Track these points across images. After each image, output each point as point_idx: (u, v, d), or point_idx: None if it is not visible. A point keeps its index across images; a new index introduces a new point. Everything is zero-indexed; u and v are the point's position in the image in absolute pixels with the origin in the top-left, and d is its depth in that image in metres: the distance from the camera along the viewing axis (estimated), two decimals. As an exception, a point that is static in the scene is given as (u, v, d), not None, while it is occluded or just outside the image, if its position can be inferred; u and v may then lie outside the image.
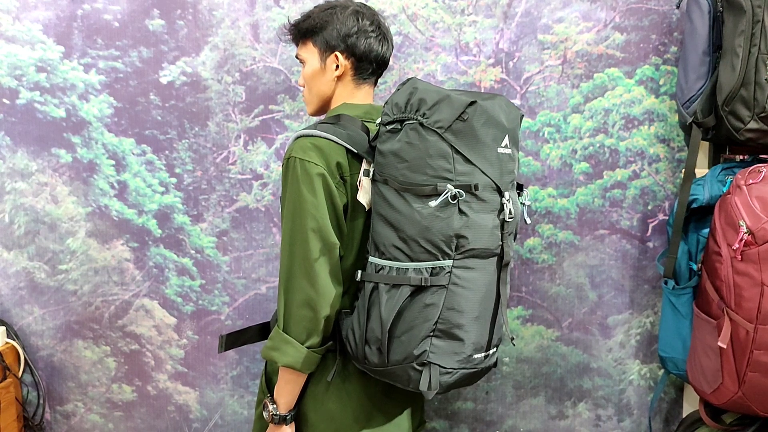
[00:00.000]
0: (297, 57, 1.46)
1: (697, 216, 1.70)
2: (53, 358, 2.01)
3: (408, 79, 1.28)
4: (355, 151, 1.31)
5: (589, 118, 1.85)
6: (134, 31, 1.89)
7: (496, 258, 1.28)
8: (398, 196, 1.24)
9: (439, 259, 1.22)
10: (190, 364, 1.99)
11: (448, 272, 1.22)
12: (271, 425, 1.36)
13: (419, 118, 1.22)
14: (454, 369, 1.26)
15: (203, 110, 1.91)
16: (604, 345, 1.92)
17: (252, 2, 1.87)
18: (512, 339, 1.35)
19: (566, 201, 1.88)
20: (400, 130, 1.23)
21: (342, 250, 1.33)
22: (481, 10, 1.84)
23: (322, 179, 1.28)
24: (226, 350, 1.46)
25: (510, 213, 1.27)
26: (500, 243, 1.27)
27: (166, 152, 1.92)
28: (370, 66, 1.41)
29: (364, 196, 1.32)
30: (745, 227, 1.42)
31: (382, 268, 1.26)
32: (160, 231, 1.95)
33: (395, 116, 1.24)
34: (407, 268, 1.23)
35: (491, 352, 1.33)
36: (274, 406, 1.35)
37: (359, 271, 1.31)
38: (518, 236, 1.89)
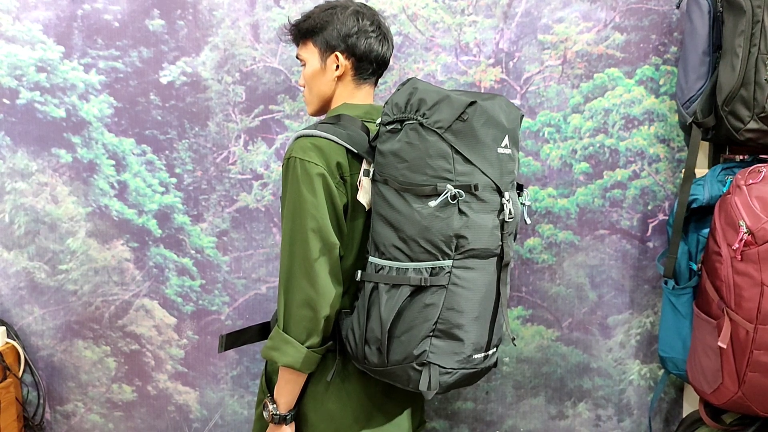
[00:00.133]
0: (297, 57, 1.46)
1: (697, 216, 1.70)
2: (53, 358, 2.01)
3: (408, 80, 1.28)
4: (355, 151, 1.31)
5: (589, 118, 1.85)
6: (134, 31, 1.89)
7: (496, 258, 1.28)
8: (398, 196, 1.24)
9: (438, 259, 1.22)
10: (190, 364, 1.99)
11: (448, 272, 1.22)
12: (271, 425, 1.36)
13: (419, 118, 1.22)
14: (454, 369, 1.26)
15: (203, 110, 1.91)
16: (604, 345, 1.92)
17: (252, 2, 1.87)
18: (513, 339, 1.35)
19: (566, 201, 1.88)
20: (400, 130, 1.23)
21: (342, 250, 1.33)
22: (481, 10, 1.84)
23: (322, 179, 1.28)
24: (226, 350, 1.47)
25: (510, 213, 1.27)
26: (500, 243, 1.27)
27: (166, 152, 1.92)
28: (370, 66, 1.41)
29: (364, 196, 1.32)
30: (745, 227, 1.42)
31: (382, 268, 1.26)
32: (160, 231, 1.95)
33: (395, 116, 1.24)
34: (407, 268, 1.23)
35: (491, 352, 1.33)
36: (274, 405, 1.35)
37: (359, 271, 1.31)
38: (518, 236, 1.89)
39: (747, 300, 1.43)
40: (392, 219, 1.24)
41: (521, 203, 1.38)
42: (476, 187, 1.21)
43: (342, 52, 1.39)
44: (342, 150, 1.31)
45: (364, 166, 1.32)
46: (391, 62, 1.48)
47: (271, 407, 1.35)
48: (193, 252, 1.95)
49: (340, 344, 1.35)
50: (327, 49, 1.40)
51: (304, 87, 1.47)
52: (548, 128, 1.86)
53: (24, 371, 1.98)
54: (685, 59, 1.66)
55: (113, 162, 1.93)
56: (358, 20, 1.38)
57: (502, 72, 1.85)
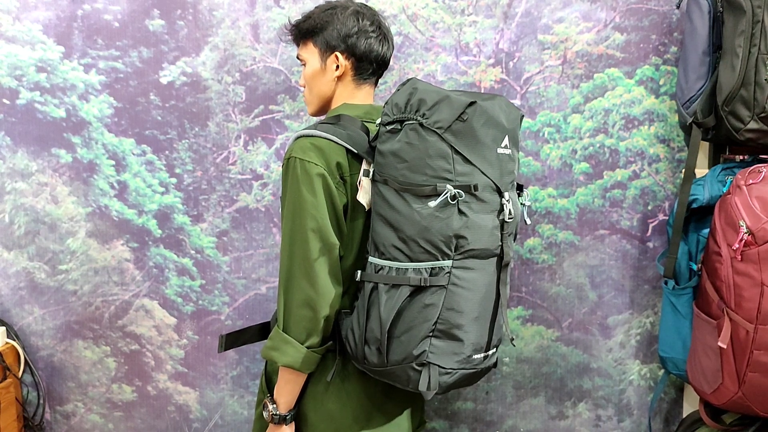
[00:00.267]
0: (298, 57, 1.47)
1: (697, 216, 1.70)
2: (53, 358, 2.01)
3: (408, 80, 1.28)
4: (355, 151, 1.31)
5: (589, 118, 1.85)
6: (134, 31, 1.89)
7: (495, 258, 1.28)
8: (398, 196, 1.24)
9: (438, 260, 1.22)
10: (190, 364, 1.99)
11: (448, 272, 1.22)
12: (271, 425, 1.36)
13: (419, 118, 1.22)
14: (454, 369, 1.26)
15: (203, 110, 1.91)
16: (604, 345, 1.92)
17: (252, 2, 1.87)
18: (512, 339, 1.35)
19: (566, 201, 1.88)
20: (400, 130, 1.23)
21: (342, 250, 1.33)
22: (481, 11, 1.84)
23: (322, 179, 1.28)
24: (225, 350, 1.46)
25: (510, 213, 1.26)
26: (500, 243, 1.27)
27: (166, 152, 1.92)
28: (370, 66, 1.41)
29: (363, 197, 1.32)
30: (745, 227, 1.42)
31: (382, 268, 1.26)
32: (160, 231, 1.95)
33: (395, 116, 1.24)
34: (407, 269, 1.23)
35: (491, 352, 1.32)
36: (274, 405, 1.35)
37: (359, 271, 1.31)
38: (518, 236, 1.89)
39: (747, 300, 1.43)
40: (392, 219, 1.24)
41: (521, 203, 1.37)
42: (476, 188, 1.21)
43: (342, 53, 1.39)
44: (342, 150, 1.31)
45: (364, 166, 1.32)
46: (391, 62, 1.48)
47: (270, 407, 1.35)
48: (193, 252, 1.95)
49: (340, 344, 1.35)
50: (327, 50, 1.40)
51: (305, 87, 1.47)
52: (548, 128, 1.86)
53: (24, 371, 1.98)
54: (685, 59, 1.66)
55: (113, 162, 1.93)
56: (358, 20, 1.38)
57: (502, 72, 1.85)
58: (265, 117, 1.90)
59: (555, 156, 1.87)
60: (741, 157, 1.75)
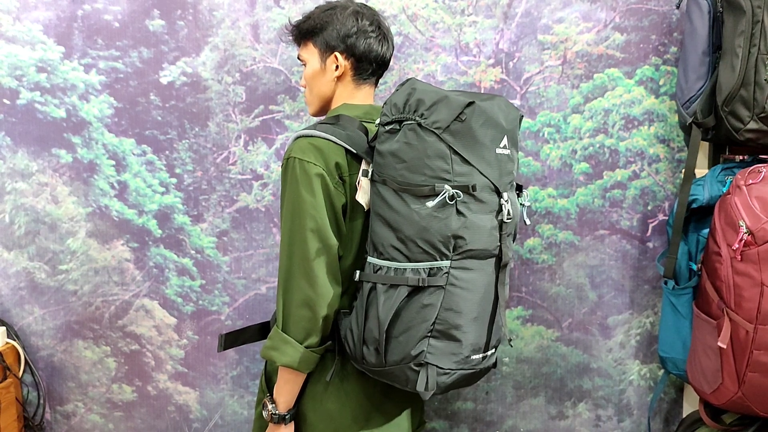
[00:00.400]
0: (299, 58, 1.47)
1: (697, 216, 1.70)
2: (53, 358, 2.01)
3: (407, 80, 1.28)
4: (354, 151, 1.31)
5: (589, 118, 1.85)
6: (134, 31, 1.89)
7: (494, 259, 1.27)
8: (396, 196, 1.24)
9: (436, 260, 1.22)
10: (190, 365, 1.99)
11: (446, 273, 1.22)
12: (270, 424, 1.36)
13: (417, 118, 1.22)
14: (452, 370, 1.26)
15: (203, 110, 1.91)
16: (604, 345, 1.92)
17: (252, 3, 1.87)
18: (510, 340, 1.35)
19: (566, 201, 1.88)
20: (399, 130, 1.24)
21: (341, 250, 1.33)
22: (481, 11, 1.84)
23: (320, 179, 1.28)
24: (225, 349, 1.47)
25: (508, 214, 1.26)
26: (498, 244, 1.27)
27: (167, 152, 1.92)
28: (370, 66, 1.41)
29: (362, 197, 1.32)
30: (744, 227, 1.42)
31: (380, 268, 1.26)
32: (160, 231, 1.95)
33: (394, 117, 1.24)
34: (405, 269, 1.23)
35: (489, 353, 1.32)
36: (273, 405, 1.35)
37: (357, 271, 1.31)
38: (518, 236, 1.89)
39: (747, 300, 1.43)
40: (390, 219, 1.24)
41: (520, 204, 1.37)
42: (474, 188, 1.21)
43: (341, 53, 1.39)
44: (341, 150, 1.31)
45: (363, 166, 1.32)
46: (391, 62, 1.48)
47: (270, 407, 1.35)
48: (193, 252, 1.95)
49: (339, 344, 1.35)
50: (327, 50, 1.40)
51: (305, 87, 1.47)
52: (548, 128, 1.86)
53: (24, 371, 1.98)
54: (685, 59, 1.66)
55: (113, 162, 1.93)
56: (357, 20, 1.38)
57: (502, 72, 1.85)
58: (265, 117, 1.90)
59: (555, 156, 1.87)
60: (741, 157, 1.75)
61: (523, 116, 1.35)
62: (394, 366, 1.25)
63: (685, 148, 1.81)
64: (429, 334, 1.23)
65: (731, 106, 1.55)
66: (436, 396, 1.91)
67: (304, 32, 1.43)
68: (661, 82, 1.83)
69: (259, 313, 1.95)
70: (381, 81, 1.53)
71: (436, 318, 1.23)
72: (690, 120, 1.64)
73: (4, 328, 1.94)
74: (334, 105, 1.44)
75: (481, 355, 1.30)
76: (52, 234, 1.96)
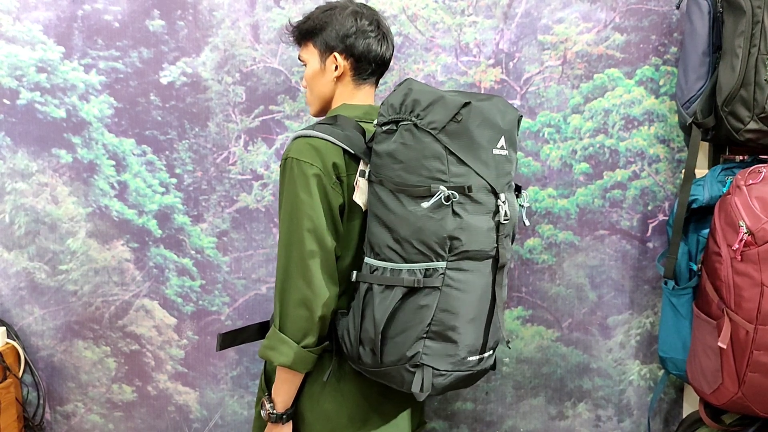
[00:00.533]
0: (299, 58, 1.47)
1: (697, 216, 1.70)
2: (53, 359, 2.01)
3: (405, 80, 1.28)
4: (352, 151, 1.31)
5: (589, 118, 1.85)
6: (134, 31, 1.89)
7: (491, 260, 1.27)
8: (393, 196, 1.24)
9: (432, 261, 1.22)
10: (190, 365, 1.99)
11: (442, 274, 1.22)
12: (268, 424, 1.37)
13: (413, 119, 1.22)
14: (448, 371, 1.26)
15: (203, 111, 1.91)
16: (604, 345, 1.92)
17: (252, 3, 1.87)
18: (507, 342, 1.35)
19: (566, 201, 1.88)
20: (396, 131, 1.23)
21: (339, 251, 1.33)
22: (481, 11, 1.84)
23: (317, 180, 1.28)
24: (223, 348, 1.47)
25: (505, 215, 1.26)
26: (495, 245, 1.26)
27: (167, 153, 1.92)
28: (369, 66, 1.41)
29: (360, 197, 1.32)
30: (744, 227, 1.42)
31: (377, 269, 1.26)
32: (160, 231, 1.95)
33: (390, 117, 1.24)
34: (401, 269, 1.23)
35: (486, 355, 1.32)
36: (271, 404, 1.36)
37: (354, 272, 1.31)
38: (518, 237, 1.89)
39: (747, 300, 1.43)
40: (387, 220, 1.24)
41: (519, 205, 1.37)
42: (470, 189, 1.21)
43: (340, 53, 1.39)
44: (339, 150, 1.31)
45: (361, 166, 1.32)
46: (391, 63, 1.48)
47: (268, 406, 1.36)
48: (193, 252, 1.95)
49: (337, 344, 1.35)
50: (326, 50, 1.40)
51: (306, 88, 1.47)
52: (548, 129, 1.86)
53: (24, 371, 1.98)
54: (685, 60, 1.66)
55: (113, 162, 1.93)
56: (356, 20, 1.38)
57: (502, 72, 1.85)
58: (265, 117, 1.90)
59: (555, 156, 1.87)
60: (741, 158, 1.75)
61: (522, 117, 1.35)
62: (389, 367, 1.25)
63: (685, 149, 1.81)
64: (425, 336, 1.23)
65: (731, 106, 1.55)
66: (435, 396, 1.91)
67: (303, 33, 1.44)
68: (661, 83, 1.83)
69: (259, 313, 1.95)
70: (381, 81, 1.53)
71: (432, 319, 1.22)
72: (690, 120, 1.64)
73: (4, 328, 1.94)
74: (334, 105, 1.44)
75: (477, 357, 1.29)
76: (52, 234, 1.96)
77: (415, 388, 1.24)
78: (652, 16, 1.81)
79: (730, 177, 1.63)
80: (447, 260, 1.22)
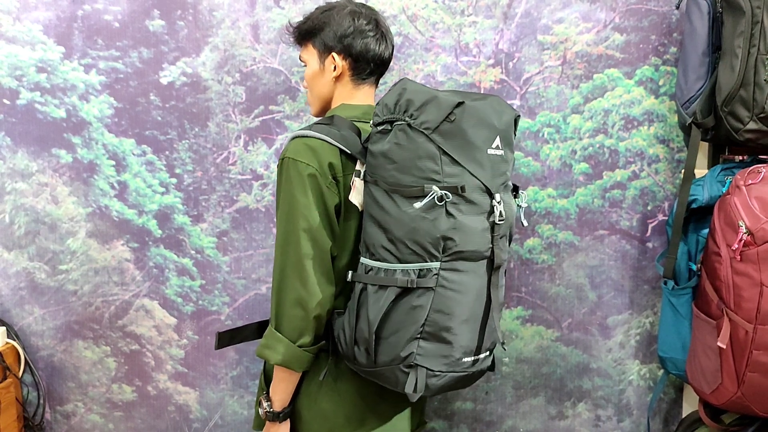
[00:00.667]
0: (300, 59, 1.47)
1: (696, 216, 1.70)
2: (53, 359, 2.01)
3: (400, 80, 1.28)
4: (349, 152, 1.31)
5: (589, 118, 1.86)
6: (134, 31, 1.89)
7: (486, 261, 1.27)
8: (387, 197, 1.24)
9: (426, 261, 1.22)
10: (190, 365, 1.99)
11: (435, 274, 1.22)
12: (266, 422, 1.37)
13: (407, 119, 1.21)
14: (443, 372, 1.25)
15: (203, 111, 1.91)
16: (603, 345, 1.92)
17: (252, 3, 1.87)
18: (503, 343, 1.34)
19: (566, 201, 1.88)
20: (390, 131, 1.23)
21: (336, 251, 1.33)
22: (481, 11, 1.84)
23: (313, 180, 1.28)
24: (221, 347, 1.47)
25: (500, 215, 1.25)
26: (491, 246, 1.26)
27: (167, 153, 1.92)
28: (367, 66, 1.41)
29: (356, 197, 1.32)
30: (744, 227, 1.42)
31: (371, 269, 1.26)
32: (160, 231, 1.95)
33: (385, 117, 1.24)
34: (395, 270, 1.23)
35: (482, 356, 1.31)
36: (269, 403, 1.36)
37: (350, 272, 1.31)
38: (518, 237, 1.89)
39: (746, 300, 1.43)
40: (381, 220, 1.24)
41: (517, 205, 1.37)
42: (463, 189, 1.20)
43: (339, 53, 1.39)
44: (335, 150, 1.31)
45: (357, 167, 1.32)
46: (391, 63, 1.48)
47: (265, 404, 1.36)
48: (193, 252, 1.95)
49: (333, 344, 1.36)
50: (325, 50, 1.40)
51: (307, 88, 1.47)
52: (548, 129, 1.87)
53: (24, 371, 1.98)
54: (684, 60, 1.66)
55: (113, 162, 1.93)
56: (353, 20, 1.38)
57: (502, 72, 1.86)
58: (265, 117, 1.90)
59: (555, 156, 1.87)
60: (740, 158, 1.76)
61: (519, 116, 1.34)
62: (383, 367, 1.25)
63: (685, 149, 1.81)
64: (419, 336, 1.23)
65: (731, 106, 1.56)
66: (429, 397, 1.91)
67: (303, 34, 1.44)
68: (660, 83, 1.83)
69: (259, 313, 1.95)
70: (381, 81, 1.53)
71: (425, 320, 1.22)
72: (690, 120, 1.64)
73: (4, 328, 1.94)
74: (334, 105, 1.45)
75: (472, 358, 1.29)
76: (52, 234, 1.96)
77: (409, 389, 1.23)
78: (651, 16, 1.81)
79: (729, 177, 1.64)
80: (441, 261, 1.22)
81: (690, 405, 1.84)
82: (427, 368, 1.24)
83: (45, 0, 1.89)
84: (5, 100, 1.92)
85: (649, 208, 1.87)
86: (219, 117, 1.91)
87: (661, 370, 1.88)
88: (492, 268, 1.27)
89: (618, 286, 1.90)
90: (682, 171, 1.69)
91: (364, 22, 1.39)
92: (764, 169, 1.48)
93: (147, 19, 1.89)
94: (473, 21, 1.84)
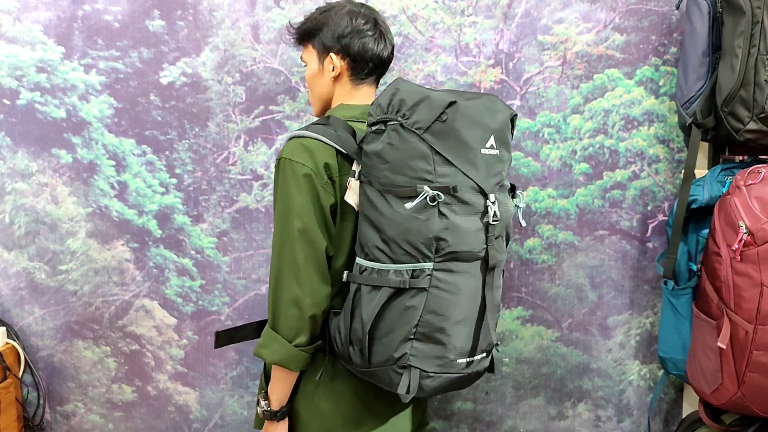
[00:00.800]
0: (301, 59, 1.48)
1: (696, 216, 1.70)
2: (53, 359, 2.01)
3: (395, 80, 1.28)
4: (345, 152, 1.31)
5: (589, 118, 1.86)
6: (134, 31, 1.89)
7: (480, 261, 1.26)
8: (381, 197, 1.23)
9: (419, 262, 1.21)
10: (190, 365, 1.99)
11: (428, 275, 1.21)
12: (265, 421, 1.38)
13: (399, 119, 1.21)
14: (436, 373, 1.25)
15: (203, 111, 1.91)
16: (603, 345, 1.92)
17: (252, 3, 1.87)
18: (497, 345, 1.33)
19: (566, 202, 1.88)
20: (384, 131, 1.23)
21: (333, 251, 1.33)
22: (481, 11, 1.84)
23: (308, 180, 1.28)
24: (220, 346, 1.47)
25: (495, 216, 1.24)
26: (485, 246, 1.25)
27: (167, 153, 1.92)
28: (366, 66, 1.41)
29: (352, 197, 1.31)
30: (744, 228, 1.42)
31: (366, 269, 1.26)
32: (160, 231, 1.95)
33: (378, 117, 1.24)
34: (388, 270, 1.23)
35: (477, 358, 1.30)
36: (267, 402, 1.36)
37: (345, 272, 1.31)
38: (518, 237, 1.89)
39: (746, 300, 1.43)
40: (375, 220, 1.24)
41: (515, 205, 1.36)
42: (455, 189, 1.20)
43: (337, 53, 1.39)
44: (331, 151, 1.31)
45: (354, 167, 1.32)
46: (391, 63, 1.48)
47: (263, 403, 1.37)
48: (193, 252, 1.95)
49: (330, 344, 1.36)
50: (323, 51, 1.40)
51: (308, 89, 1.48)
52: (548, 129, 1.87)
53: (24, 371, 1.98)
54: (684, 60, 1.66)
55: (113, 162, 1.93)
56: (351, 20, 1.38)
57: (502, 73, 1.86)
58: (265, 117, 1.90)
59: (555, 156, 1.87)
60: (740, 158, 1.76)
61: (516, 115, 1.33)
62: (377, 367, 1.25)
63: (685, 149, 1.81)
64: (412, 337, 1.22)
65: (731, 106, 1.55)
66: (433, 397, 1.91)
67: (302, 34, 1.44)
68: (660, 83, 1.83)
69: (259, 313, 1.95)
70: (381, 81, 1.53)
71: (419, 320, 1.22)
72: (690, 120, 1.64)
73: (4, 328, 1.94)
74: (333, 105, 1.45)
75: (466, 360, 1.27)
76: (52, 234, 1.96)
77: (402, 390, 1.23)
78: (651, 17, 1.81)
79: (729, 177, 1.63)
80: (434, 261, 1.21)
81: (690, 405, 1.84)
82: (420, 369, 1.23)
83: (45, 0, 1.89)
84: (5, 100, 1.92)
85: (649, 208, 1.87)
86: (219, 117, 1.91)
87: (662, 371, 1.88)
88: (487, 268, 1.26)
89: (618, 286, 1.90)
90: (682, 171, 1.69)
91: (362, 21, 1.39)
92: (764, 170, 1.48)
93: (147, 19, 1.89)
94: (473, 21, 1.84)
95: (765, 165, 1.51)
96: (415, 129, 1.20)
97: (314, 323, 1.31)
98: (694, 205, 1.65)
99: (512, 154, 1.85)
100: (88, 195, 1.94)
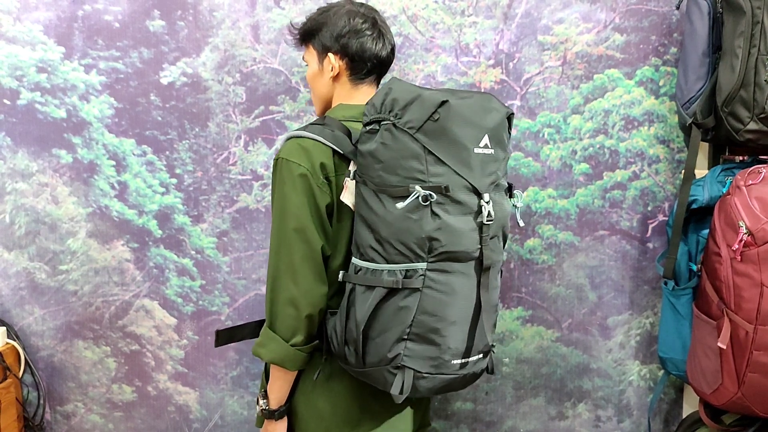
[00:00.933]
0: (303, 59, 1.48)
1: (696, 217, 1.70)
2: (53, 359, 2.01)
3: (390, 79, 1.28)
4: (341, 152, 1.31)
5: (589, 119, 1.86)
6: (135, 31, 1.89)
7: (475, 262, 1.25)
8: (375, 197, 1.23)
9: (412, 262, 1.21)
10: (190, 365, 1.99)
11: (422, 275, 1.21)
12: (264, 420, 1.38)
13: (392, 118, 1.21)
14: (431, 374, 1.24)
15: (204, 111, 1.91)
16: (603, 346, 1.92)
17: (252, 3, 1.87)
18: (492, 346, 1.33)
19: (566, 202, 1.88)
20: (378, 131, 1.23)
21: (329, 250, 1.33)
22: (481, 11, 1.84)
23: (304, 180, 1.28)
24: (220, 345, 1.47)
25: (489, 216, 1.23)
26: (479, 246, 1.24)
27: (167, 153, 1.93)
28: (364, 66, 1.40)
29: (348, 197, 1.31)
30: (744, 228, 1.42)
31: (361, 269, 1.26)
32: (160, 231, 1.95)
33: (372, 117, 1.24)
34: (382, 270, 1.23)
35: (473, 359, 1.29)
36: (265, 401, 1.37)
37: (341, 272, 1.31)
38: (518, 237, 1.89)
39: (747, 301, 1.43)
40: (369, 220, 1.24)
41: (513, 205, 1.36)
42: (447, 189, 1.19)
43: (335, 53, 1.39)
44: (328, 151, 1.31)
45: (350, 167, 1.32)
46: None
47: (262, 402, 1.37)
48: (193, 252, 1.95)
49: (327, 344, 1.36)
50: (323, 51, 1.40)
51: (309, 89, 1.48)
52: (548, 129, 1.87)
53: (24, 371, 1.98)
54: (684, 60, 1.66)
55: (113, 162, 1.93)
56: (349, 20, 1.38)
57: (502, 73, 1.86)
58: (265, 117, 1.90)
59: (555, 157, 1.87)
60: (741, 158, 1.76)
61: (512, 114, 1.32)
62: (372, 367, 1.25)
63: (685, 149, 1.81)
64: (406, 337, 1.22)
65: (731, 106, 1.55)
66: (435, 397, 1.91)
67: (303, 35, 1.45)
68: (661, 83, 1.83)
69: (259, 313, 1.95)
70: (382, 82, 1.53)
71: (412, 321, 1.21)
72: (690, 120, 1.64)
73: (4, 328, 1.94)
74: (333, 105, 1.45)
75: (461, 361, 1.27)
76: (53, 234, 1.96)
77: (395, 390, 1.22)
78: (651, 17, 1.81)
79: (729, 177, 1.63)
80: (427, 261, 1.20)
81: (690, 405, 1.84)
82: (414, 370, 1.23)
83: (45, 0, 1.89)
84: (5, 101, 1.92)
85: (649, 208, 1.87)
86: (219, 117, 1.91)
87: (662, 371, 1.88)
88: (482, 269, 1.25)
89: (618, 286, 1.90)
90: (683, 171, 1.69)
91: (360, 21, 1.39)
92: (764, 170, 1.48)
93: (147, 20, 1.89)
94: (473, 21, 1.84)
95: (765, 165, 1.51)
96: (408, 128, 1.20)
97: (311, 323, 1.31)
98: (694, 206, 1.65)
99: (512, 154, 1.86)
100: (88, 195, 1.94)
